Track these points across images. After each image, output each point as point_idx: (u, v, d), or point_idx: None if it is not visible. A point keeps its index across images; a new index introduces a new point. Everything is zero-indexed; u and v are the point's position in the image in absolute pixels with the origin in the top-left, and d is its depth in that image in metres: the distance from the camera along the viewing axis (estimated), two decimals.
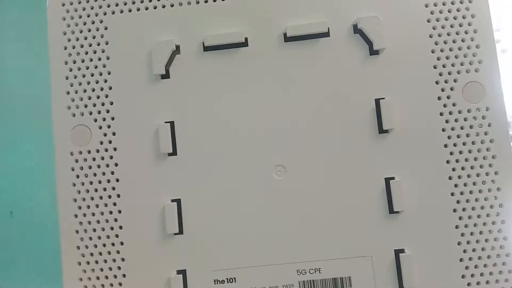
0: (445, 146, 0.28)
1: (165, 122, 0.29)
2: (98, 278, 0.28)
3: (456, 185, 0.28)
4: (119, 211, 0.29)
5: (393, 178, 0.28)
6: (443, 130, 0.28)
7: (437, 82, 0.29)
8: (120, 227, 0.29)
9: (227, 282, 0.28)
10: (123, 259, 0.28)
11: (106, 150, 0.29)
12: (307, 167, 0.28)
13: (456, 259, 0.27)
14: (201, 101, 0.29)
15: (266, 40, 0.29)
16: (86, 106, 0.29)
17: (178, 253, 0.28)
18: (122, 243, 0.29)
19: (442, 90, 0.28)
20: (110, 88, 0.30)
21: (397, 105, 0.28)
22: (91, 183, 0.29)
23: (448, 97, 0.28)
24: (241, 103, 0.29)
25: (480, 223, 0.28)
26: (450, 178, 0.28)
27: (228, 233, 0.28)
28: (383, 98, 0.28)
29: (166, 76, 0.29)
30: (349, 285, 0.28)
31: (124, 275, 0.28)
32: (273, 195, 0.28)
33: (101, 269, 0.28)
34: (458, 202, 0.28)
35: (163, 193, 0.29)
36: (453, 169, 0.28)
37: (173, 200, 0.28)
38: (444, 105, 0.28)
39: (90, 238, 0.28)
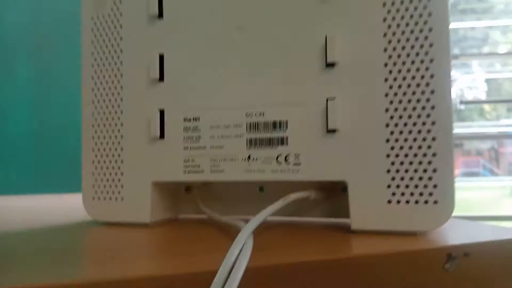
0: (384, 5, 0.30)
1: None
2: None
3: (390, 41, 0.30)
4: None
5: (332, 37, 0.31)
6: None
7: None
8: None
9: (193, 120, 0.35)
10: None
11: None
12: (259, 28, 0.33)
13: (382, 106, 0.30)
14: None
15: None
16: None
17: (161, 96, 0.36)
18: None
19: None
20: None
21: None
22: None
23: None
24: None
25: (410, 92, 0.29)
26: (385, 34, 0.30)
27: (197, 82, 0.35)
28: None
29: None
30: (286, 127, 0.32)
31: (122, 111, 0.37)
32: (234, 52, 0.34)
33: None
34: (389, 57, 0.30)
35: (152, 49, 0.36)
36: (389, 27, 0.30)
37: (159, 54, 0.36)
38: None
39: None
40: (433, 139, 0.29)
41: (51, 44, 0.92)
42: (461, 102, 0.88)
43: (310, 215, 0.37)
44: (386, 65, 0.30)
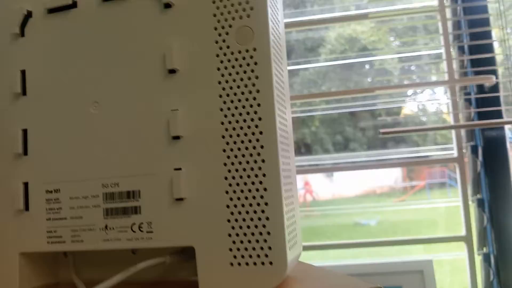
0: (219, 83, 0.33)
1: (20, 70, 0.38)
2: None
3: (225, 116, 0.33)
4: None
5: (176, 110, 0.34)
6: (218, 69, 0.33)
7: (215, 28, 0.33)
8: None
9: (54, 192, 0.36)
10: None
11: None
12: (113, 104, 0.35)
13: (221, 174, 0.32)
14: (47, 52, 0.37)
15: (89, 1, 0.37)
16: None
17: (25, 169, 0.37)
18: None
19: (219, 35, 0.33)
20: None
21: (180, 50, 0.34)
22: None
23: (223, 41, 0.33)
24: (70, 56, 0.37)
25: (242, 134, 0.32)
26: (221, 109, 0.33)
27: (57, 155, 0.36)
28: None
29: (22, 35, 0.38)
30: (139, 197, 0.34)
31: None
32: (90, 126, 0.36)
33: None
34: (226, 130, 0.33)
35: (16, 125, 0.37)
36: (224, 102, 0.33)
37: (22, 130, 0.37)
38: (220, 48, 0.33)
39: None
40: (266, 204, 0.32)
41: None
42: (380, 133, 0.93)
43: (180, 275, 0.39)
44: (223, 137, 0.33)
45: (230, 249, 0.32)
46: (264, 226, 0.31)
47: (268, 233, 0.31)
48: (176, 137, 0.34)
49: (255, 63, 0.32)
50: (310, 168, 1.23)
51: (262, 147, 0.32)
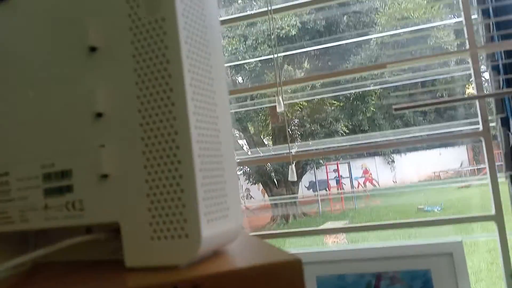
0: (133, 56, 0.33)
1: None
2: None
3: (140, 89, 0.32)
4: None
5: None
6: (132, 42, 0.33)
7: (127, 1, 0.33)
8: None
9: (4, 175, 0.38)
10: None
11: None
12: (44, 86, 0.36)
13: (140, 149, 0.32)
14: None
15: None
16: None
17: None
18: None
19: (131, 7, 0.33)
20: None
21: (98, 28, 0.34)
22: None
23: (135, 13, 0.33)
24: (16, 45, 0.38)
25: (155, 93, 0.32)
26: (136, 83, 0.33)
27: (8, 140, 0.38)
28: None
29: None
30: (71, 176, 0.35)
31: None
32: (30, 109, 0.37)
33: None
34: (142, 104, 0.32)
35: None
36: (139, 76, 0.32)
37: None
38: (133, 21, 0.33)
39: None
40: (180, 176, 0.31)
41: None
42: (394, 109, 0.88)
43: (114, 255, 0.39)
44: (139, 111, 0.32)
45: (150, 224, 0.32)
46: (179, 198, 0.31)
47: (183, 205, 0.31)
48: (99, 114, 0.34)
49: (164, 33, 0.32)
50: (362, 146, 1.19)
51: (174, 118, 0.31)
